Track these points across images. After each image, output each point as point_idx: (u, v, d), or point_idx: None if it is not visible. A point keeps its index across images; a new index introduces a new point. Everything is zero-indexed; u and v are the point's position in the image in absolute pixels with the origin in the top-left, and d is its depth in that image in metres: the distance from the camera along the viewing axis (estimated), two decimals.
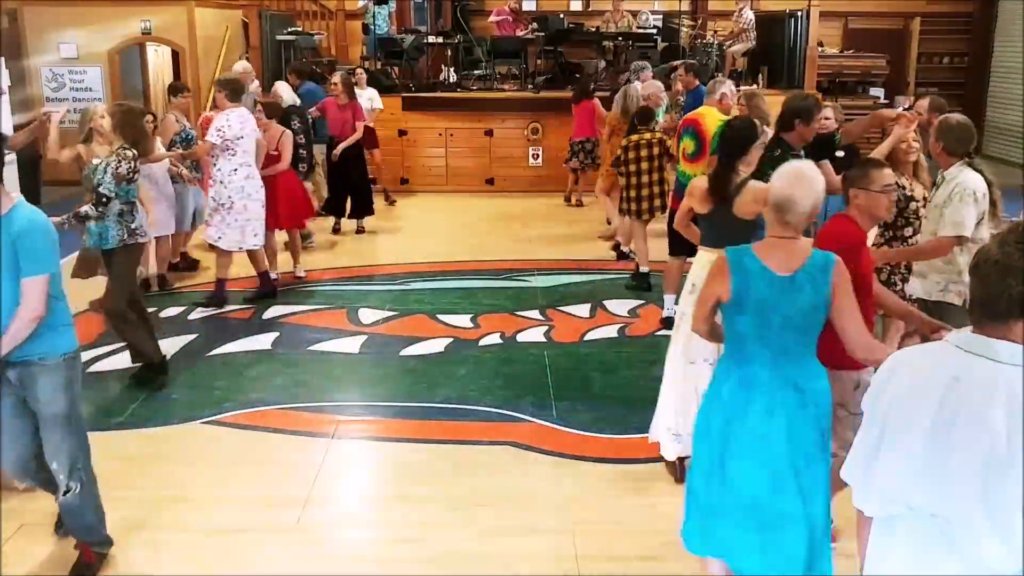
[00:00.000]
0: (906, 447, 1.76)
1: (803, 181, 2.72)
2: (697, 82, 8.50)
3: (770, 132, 4.88)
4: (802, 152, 4.62)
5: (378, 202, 9.62)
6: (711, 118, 5.87)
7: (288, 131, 7.21)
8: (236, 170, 6.47)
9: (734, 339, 2.82)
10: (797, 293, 2.66)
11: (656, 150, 6.93)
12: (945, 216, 4.04)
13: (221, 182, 6.47)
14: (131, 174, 4.92)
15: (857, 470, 1.92)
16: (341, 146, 8.52)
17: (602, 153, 8.85)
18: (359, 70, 10.17)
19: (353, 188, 8.84)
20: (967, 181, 4.03)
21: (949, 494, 1.68)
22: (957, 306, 4.14)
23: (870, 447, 1.87)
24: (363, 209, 9.01)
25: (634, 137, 6.98)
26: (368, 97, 9.78)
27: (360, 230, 9.07)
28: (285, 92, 8.53)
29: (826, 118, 5.48)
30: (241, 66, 9.33)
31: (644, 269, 7.13)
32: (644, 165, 6.92)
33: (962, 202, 3.98)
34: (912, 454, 1.75)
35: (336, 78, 8.83)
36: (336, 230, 9.02)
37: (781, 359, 2.73)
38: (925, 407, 1.74)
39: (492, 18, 12.61)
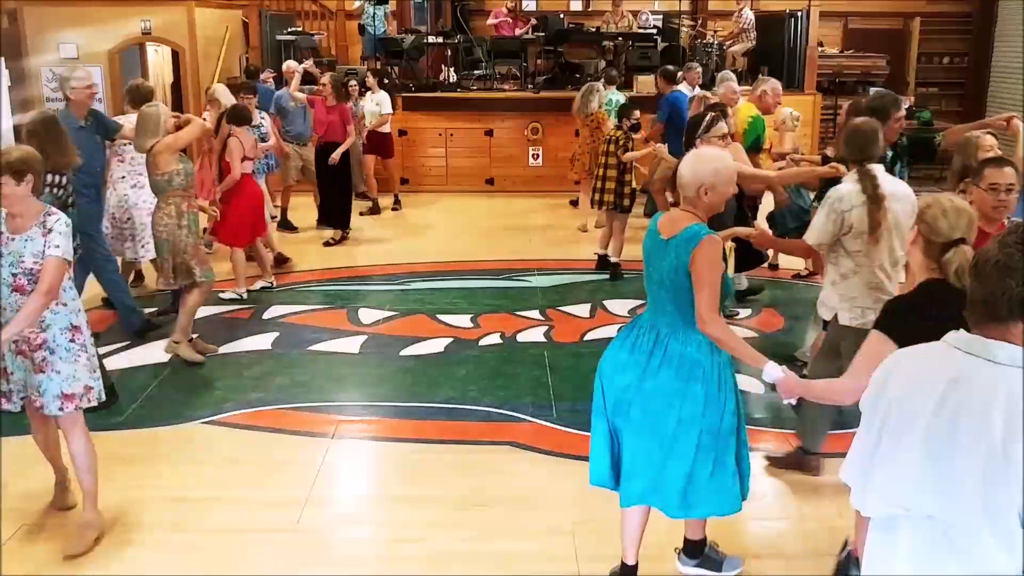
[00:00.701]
0: (904, 449, 1.76)
1: (693, 160, 3.01)
2: (672, 87, 8.60)
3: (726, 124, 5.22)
4: (888, 153, 4.60)
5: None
6: (743, 112, 6.30)
7: (234, 138, 6.71)
8: (123, 177, 6.43)
9: None
10: (666, 256, 2.96)
11: (612, 147, 7.39)
12: None
13: (112, 188, 6.43)
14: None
15: (855, 471, 1.92)
16: (338, 151, 8.29)
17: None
18: (369, 74, 9.93)
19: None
20: (836, 189, 3.92)
21: (948, 496, 1.68)
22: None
23: (868, 448, 1.87)
24: (335, 220, 8.65)
25: (607, 133, 7.72)
26: (376, 101, 9.55)
27: (328, 243, 8.55)
28: (223, 95, 7.97)
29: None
30: (286, 65, 9.29)
31: (601, 251, 7.63)
32: (602, 159, 7.48)
33: (822, 209, 3.90)
34: (910, 456, 1.74)
35: (325, 79, 8.64)
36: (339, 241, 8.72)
37: (656, 310, 3.07)
38: (924, 409, 1.73)
39: (491, 20, 12.61)
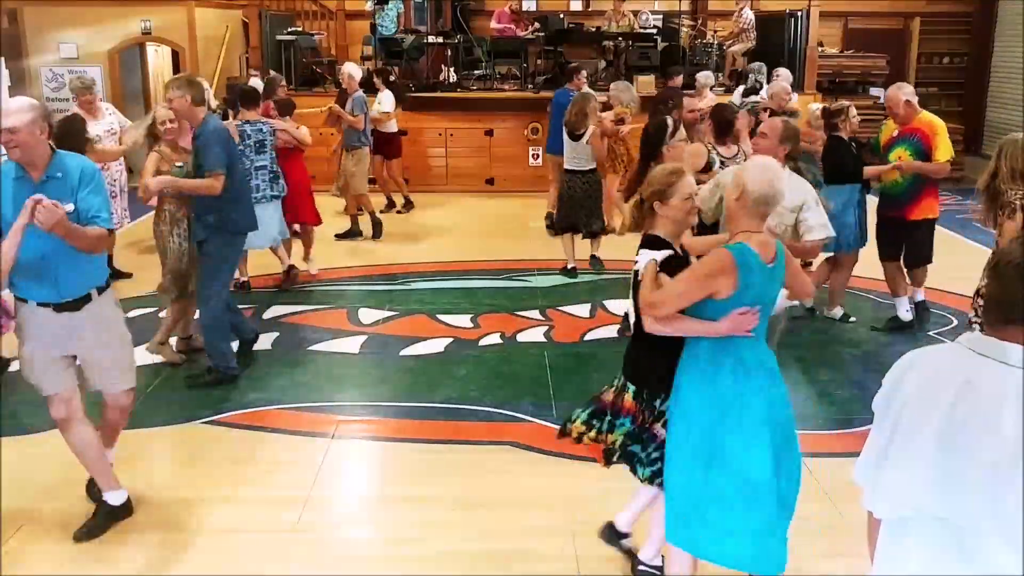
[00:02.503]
0: (916, 450, 1.75)
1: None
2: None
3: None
4: None
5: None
6: (939, 126, 5.90)
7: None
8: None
9: None
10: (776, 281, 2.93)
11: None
12: None
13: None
14: None
15: (868, 471, 1.90)
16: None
17: None
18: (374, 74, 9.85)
19: None
20: None
21: (958, 499, 1.67)
22: None
23: (880, 448, 1.85)
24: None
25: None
26: (379, 100, 9.37)
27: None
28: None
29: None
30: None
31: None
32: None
33: None
34: (922, 457, 1.73)
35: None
36: None
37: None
38: (936, 410, 1.72)
39: (493, 23, 12.56)
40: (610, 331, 6.17)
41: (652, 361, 3.05)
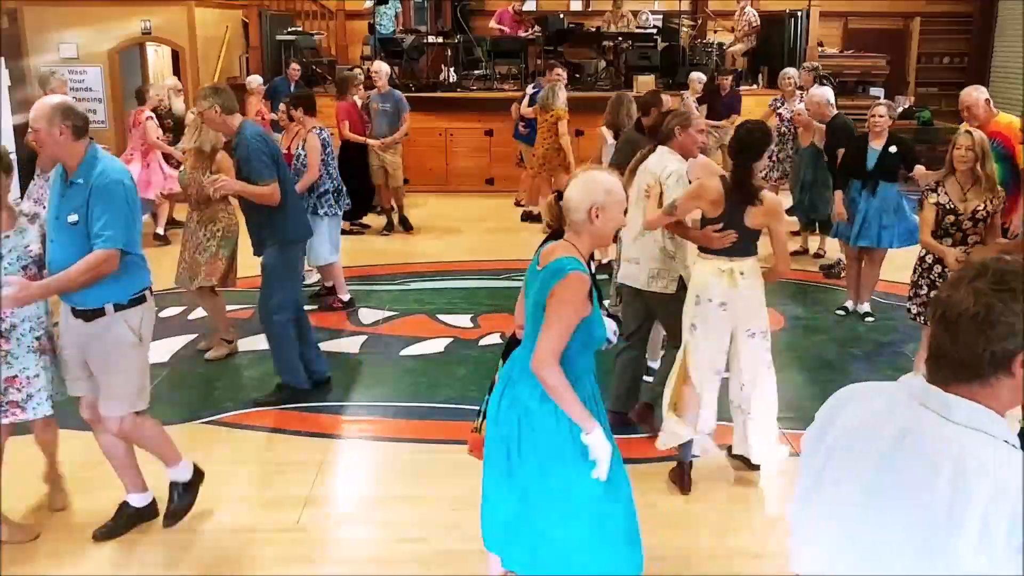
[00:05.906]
0: (843, 500, 1.58)
1: (583, 181, 2.66)
2: None
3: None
4: None
5: None
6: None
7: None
8: None
9: None
10: (534, 286, 2.71)
11: None
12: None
13: None
14: None
15: (793, 513, 1.74)
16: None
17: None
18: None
19: None
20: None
21: (886, 558, 1.49)
22: (668, 294, 4.35)
23: (807, 491, 1.68)
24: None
25: None
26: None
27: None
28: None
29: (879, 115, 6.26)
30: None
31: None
32: None
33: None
34: (849, 509, 1.56)
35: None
36: None
37: (526, 343, 2.84)
38: (867, 459, 1.55)
39: (493, 23, 12.53)
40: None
41: None
